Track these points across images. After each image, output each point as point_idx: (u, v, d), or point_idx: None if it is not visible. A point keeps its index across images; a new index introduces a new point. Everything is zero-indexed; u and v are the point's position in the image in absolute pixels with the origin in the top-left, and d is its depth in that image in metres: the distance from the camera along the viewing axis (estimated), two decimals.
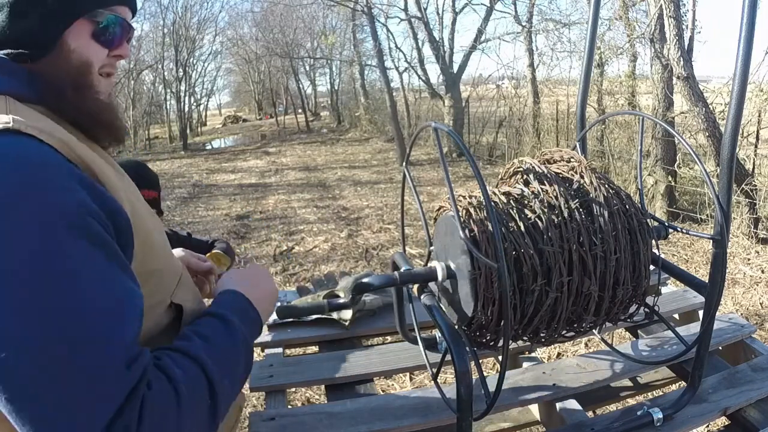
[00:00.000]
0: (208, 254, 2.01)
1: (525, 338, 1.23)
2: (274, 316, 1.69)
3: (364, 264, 5.65)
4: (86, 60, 0.78)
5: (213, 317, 0.80)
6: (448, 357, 1.09)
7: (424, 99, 16.30)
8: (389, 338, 2.51)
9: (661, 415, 1.26)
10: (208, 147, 21.85)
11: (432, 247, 1.34)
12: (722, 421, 1.44)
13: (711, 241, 1.17)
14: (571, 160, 1.27)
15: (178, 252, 1.20)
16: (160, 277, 0.81)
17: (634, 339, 1.75)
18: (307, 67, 29.07)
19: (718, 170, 1.18)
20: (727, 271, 1.19)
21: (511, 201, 1.16)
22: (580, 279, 1.10)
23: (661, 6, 5.81)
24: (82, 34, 0.77)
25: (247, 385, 1.36)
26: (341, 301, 1.25)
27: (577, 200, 1.13)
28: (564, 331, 1.24)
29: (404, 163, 1.35)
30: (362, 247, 6.23)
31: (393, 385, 3.18)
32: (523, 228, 1.10)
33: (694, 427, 1.30)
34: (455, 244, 1.15)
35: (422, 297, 1.23)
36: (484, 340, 1.20)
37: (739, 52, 1.06)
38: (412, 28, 13.87)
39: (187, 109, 24.41)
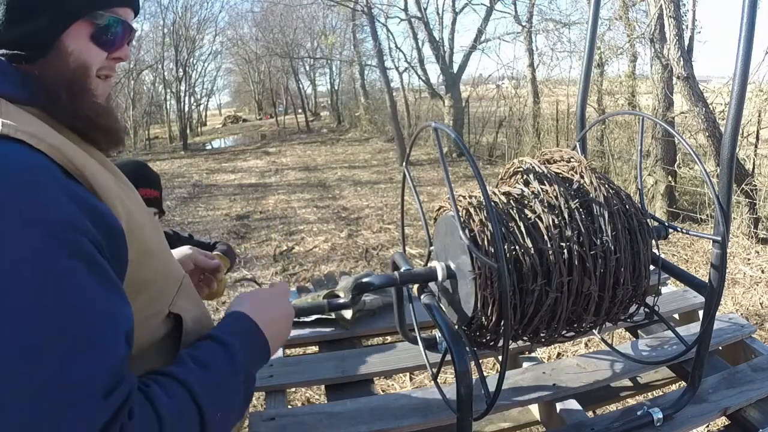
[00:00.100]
0: None
1: (525, 338, 1.22)
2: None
3: (364, 264, 5.65)
4: (84, 62, 0.75)
5: (213, 341, 0.76)
6: (448, 357, 1.09)
7: (424, 99, 16.30)
8: (389, 338, 2.51)
9: (661, 415, 1.26)
10: (208, 147, 21.85)
11: (432, 247, 1.34)
12: (722, 421, 1.44)
13: (711, 241, 1.17)
14: (571, 160, 1.27)
15: (185, 250, 1.19)
16: (157, 285, 0.78)
17: (634, 339, 1.75)
18: (307, 67, 29.08)
19: (718, 170, 1.18)
20: (727, 271, 1.19)
21: (511, 201, 1.16)
22: (580, 279, 1.10)
23: (661, 6, 5.81)
24: (81, 35, 0.75)
25: None
26: (341, 301, 1.25)
27: (577, 200, 1.13)
28: (564, 331, 1.24)
29: (404, 163, 1.35)
30: (362, 247, 6.23)
31: (393, 385, 3.18)
32: (523, 228, 1.10)
33: (694, 427, 1.30)
34: (455, 244, 1.15)
35: (422, 297, 1.23)
36: (484, 340, 1.20)
37: (739, 52, 1.06)
38: (412, 28, 13.87)
39: (187, 109, 24.41)
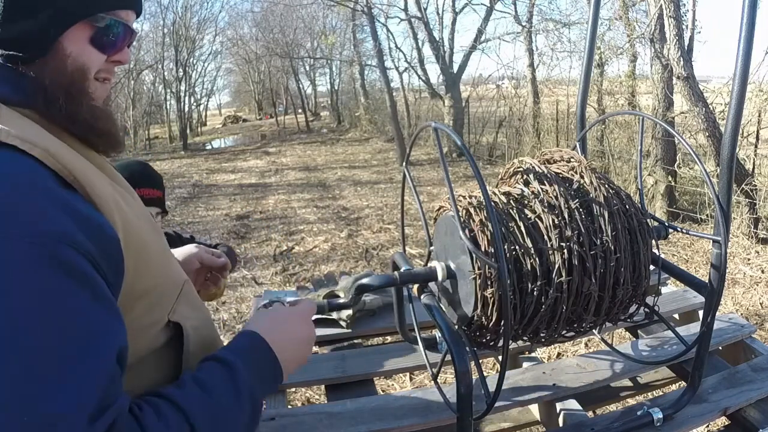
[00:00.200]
0: None
1: (525, 338, 1.23)
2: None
3: (364, 264, 5.65)
4: (82, 65, 0.73)
5: (219, 362, 0.72)
6: (448, 357, 1.09)
7: (424, 99, 16.30)
8: (389, 338, 2.51)
9: (661, 415, 1.26)
10: (208, 147, 21.86)
11: (432, 247, 1.34)
12: (722, 421, 1.44)
13: (711, 241, 1.17)
14: (571, 160, 1.27)
15: (191, 248, 1.17)
16: (156, 292, 0.75)
17: (634, 339, 1.75)
18: (307, 67, 29.10)
19: (718, 170, 1.18)
20: (727, 271, 1.19)
21: (511, 201, 1.16)
22: (580, 279, 1.10)
23: (661, 6, 5.81)
24: (80, 38, 0.73)
25: None
26: (341, 301, 1.25)
27: (577, 200, 1.13)
28: (564, 331, 1.24)
29: (404, 163, 1.35)
30: (362, 247, 6.23)
31: (393, 385, 3.18)
32: (523, 228, 1.10)
33: (694, 427, 1.30)
34: (455, 244, 1.15)
35: (422, 297, 1.23)
36: (484, 340, 1.20)
37: (739, 52, 1.06)
38: (412, 28, 13.87)
39: (187, 109, 24.42)
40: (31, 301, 0.55)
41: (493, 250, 1.04)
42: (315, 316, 1.76)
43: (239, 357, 0.73)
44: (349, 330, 1.78)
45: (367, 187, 10.23)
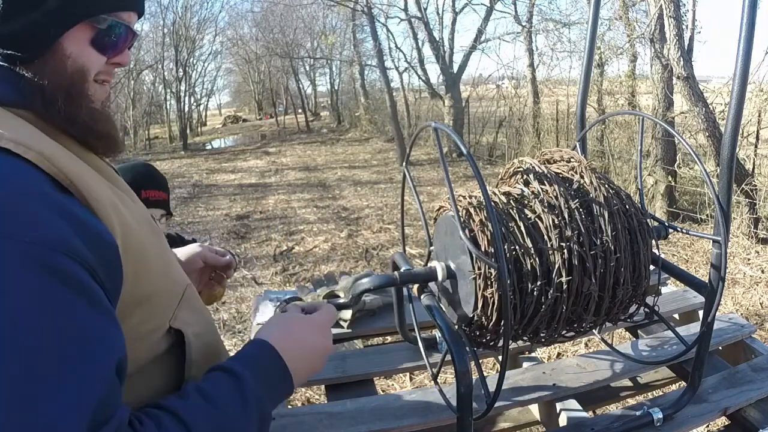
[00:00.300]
0: None
1: (525, 338, 1.23)
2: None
3: (364, 264, 5.65)
4: (82, 66, 0.72)
5: (224, 372, 0.69)
6: (448, 357, 1.09)
7: (424, 99, 16.30)
8: (389, 338, 2.51)
9: (661, 415, 1.26)
10: (208, 147, 21.86)
11: (432, 247, 1.34)
12: (722, 421, 1.44)
13: (711, 241, 1.17)
14: (571, 160, 1.27)
15: (194, 247, 1.16)
16: (156, 298, 0.73)
17: (634, 339, 1.75)
18: (307, 67, 29.10)
19: (718, 170, 1.18)
20: (727, 271, 1.19)
21: (511, 201, 1.16)
22: (580, 279, 1.10)
23: (661, 6, 5.81)
24: (81, 39, 0.71)
25: None
26: (341, 301, 1.25)
27: (577, 200, 1.13)
28: (564, 331, 1.24)
29: (404, 163, 1.35)
30: (362, 247, 6.23)
31: (393, 385, 3.19)
32: (523, 228, 1.10)
33: (694, 427, 1.30)
34: (455, 244, 1.15)
35: (422, 297, 1.23)
36: (484, 340, 1.20)
37: (739, 52, 1.06)
38: (412, 28, 13.87)
39: (187, 109, 24.43)
40: (23, 312, 0.52)
41: (493, 250, 1.04)
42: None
43: (247, 366, 0.71)
44: (349, 330, 1.78)
45: (367, 187, 10.24)
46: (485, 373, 1.24)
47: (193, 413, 0.63)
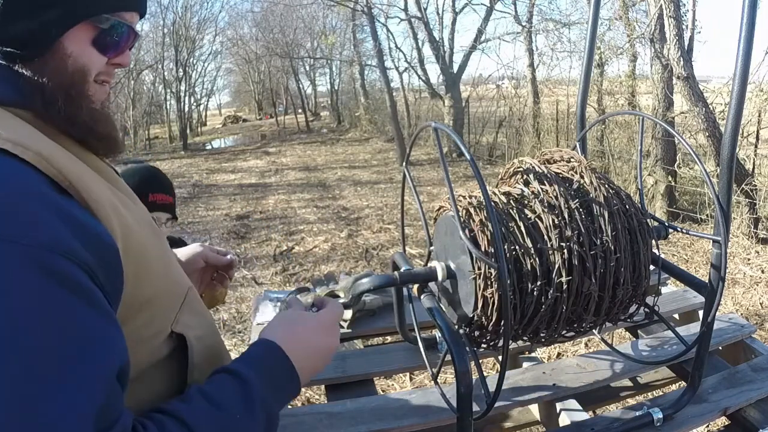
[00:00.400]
0: None
1: (525, 338, 1.23)
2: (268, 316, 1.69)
3: (364, 264, 5.65)
4: (83, 66, 0.71)
5: (228, 374, 0.68)
6: (448, 357, 1.09)
7: (424, 99, 16.30)
8: (389, 338, 2.51)
9: (661, 415, 1.26)
10: (208, 147, 21.86)
11: (432, 247, 1.34)
12: (722, 421, 1.44)
13: (711, 241, 1.17)
14: (571, 160, 1.27)
15: (195, 247, 1.15)
16: (158, 301, 0.71)
17: (634, 339, 1.75)
18: (307, 67, 29.10)
19: (718, 170, 1.18)
20: (727, 271, 1.19)
21: (511, 201, 1.16)
22: (580, 279, 1.10)
23: (661, 6, 5.81)
24: (83, 38, 0.70)
25: None
26: (341, 301, 1.25)
27: (577, 200, 1.13)
28: (564, 331, 1.24)
29: (404, 163, 1.35)
30: (362, 247, 6.23)
31: (393, 385, 3.19)
32: (523, 228, 1.10)
33: (694, 427, 1.30)
34: (455, 244, 1.15)
35: (422, 297, 1.23)
36: (484, 340, 1.20)
37: (739, 52, 1.06)
38: (412, 28, 13.87)
39: (187, 109, 24.44)
40: (21, 313, 0.51)
41: (493, 250, 1.04)
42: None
43: (252, 368, 0.69)
44: (349, 330, 1.78)
45: (367, 187, 10.24)
46: (485, 373, 1.24)
47: (197, 416, 0.62)
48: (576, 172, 1.21)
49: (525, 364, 1.60)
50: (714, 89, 6.36)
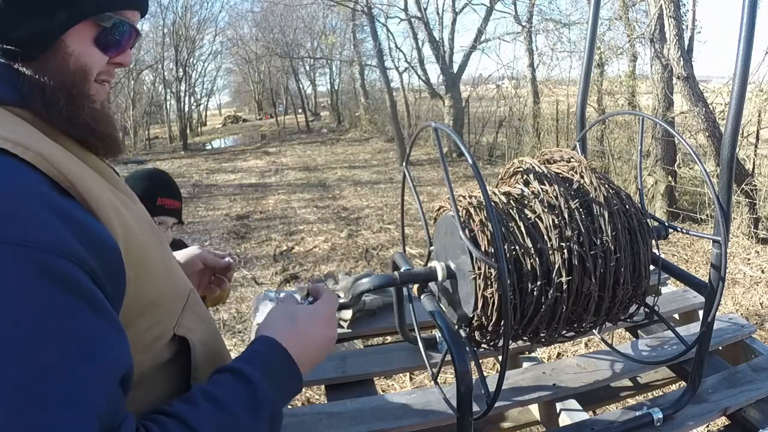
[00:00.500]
0: None
1: (525, 338, 1.23)
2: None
3: (364, 264, 5.65)
4: (84, 65, 0.69)
5: (231, 374, 0.67)
6: (448, 357, 1.09)
7: (424, 99, 16.30)
8: (389, 338, 2.51)
9: (661, 415, 1.26)
10: (208, 147, 21.86)
11: (432, 247, 1.34)
12: (722, 421, 1.44)
13: (711, 241, 1.17)
14: (571, 160, 1.27)
15: (194, 249, 1.15)
16: (160, 304, 0.70)
17: (634, 339, 1.75)
18: (307, 67, 29.10)
19: (718, 170, 1.18)
20: (727, 271, 1.18)
21: (511, 201, 1.16)
22: (580, 279, 1.10)
23: (661, 6, 5.81)
24: (84, 37, 0.69)
25: None
26: (341, 301, 1.25)
27: (577, 200, 1.13)
28: (564, 331, 1.24)
29: (404, 163, 1.35)
30: (362, 247, 6.23)
31: (393, 385, 3.18)
32: (523, 228, 1.10)
33: (694, 427, 1.30)
34: (455, 244, 1.15)
35: (422, 298, 1.23)
36: (484, 340, 1.20)
37: (739, 52, 1.06)
38: (412, 28, 13.87)
39: (187, 109, 24.45)
40: (21, 315, 0.50)
41: (493, 250, 1.04)
42: None
43: (255, 366, 0.68)
44: (349, 330, 1.78)
45: (367, 187, 10.24)
46: (485, 373, 1.24)
47: (200, 417, 0.61)
48: (576, 172, 1.21)
49: (525, 364, 1.60)
50: (714, 89, 6.36)
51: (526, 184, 1.23)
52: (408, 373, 3.17)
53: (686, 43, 5.94)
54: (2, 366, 0.48)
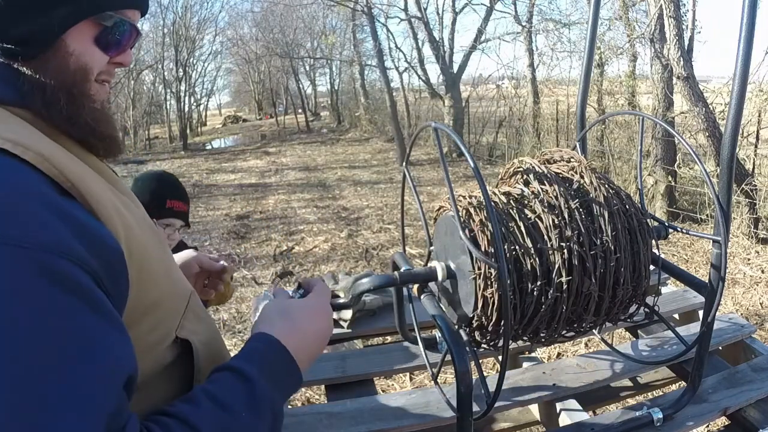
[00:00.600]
0: None
1: (525, 338, 1.23)
2: None
3: (364, 264, 5.65)
4: (84, 65, 0.69)
5: (232, 373, 0.66)
6: (448, 357, 1.09)
7: (424, 99, 16.30)
8: (389, 338, 2.51)
9: (661, 415, 1.26)
10: (208, 147, 21.86)
11: (432, 247, 1.34)
12: (722, 421, 1.44)
13: (711, 241, 1.17)
14: (571, 160, 1.27)
15: (189, 252, 1.16)
16: (162, 306, 0.70)
17: (634, 339, 1.75)
18: (307, 67, 29.10)
19: (718, 170, 1.18)
20: (727, 271, 1.18)
21: (511, 201, 1.16)
22: (580, 279, 1.10)
23: (661, 6, 5.81)
24: (85, 36, 0.69)
25: None
26: (341, 301, 1.25)
27: (577, 200, 1.13)
28: (564, 331, 1.24)
29: (404, 163, 1.35)
30: (362, 247, 6.23)
31: (393, 385, 3.18)
32: (523, 228, 1.10)
33: (694, 427, 1.30)
34: (455, 244, 1.15)
35: (422, 298, 1.23)
36: (484, 340, 1.20)
37: (739, 52, 1.06)
38: (412, 28, 13.87)
39: (187, 109, 24.45)
40: (22, 316, 0.49)
41: (493, 250, 1.04)
42: None
43: (255, 365, 0.67)
44: (349, 330, 1.78)
45: (367, 187, 10.24)
46: (485, 373, 1.24)
47: (202, 417, 0.60)
48: (576, 172, 1.21)
49: (525, 364, 1.60)
50: (714, 89, 6.36)
51: (526, 184, 1.23)
52: (408, 373, 3.17)
53: (686, 43, 5.94)
54: (2, 366, 0.47)
